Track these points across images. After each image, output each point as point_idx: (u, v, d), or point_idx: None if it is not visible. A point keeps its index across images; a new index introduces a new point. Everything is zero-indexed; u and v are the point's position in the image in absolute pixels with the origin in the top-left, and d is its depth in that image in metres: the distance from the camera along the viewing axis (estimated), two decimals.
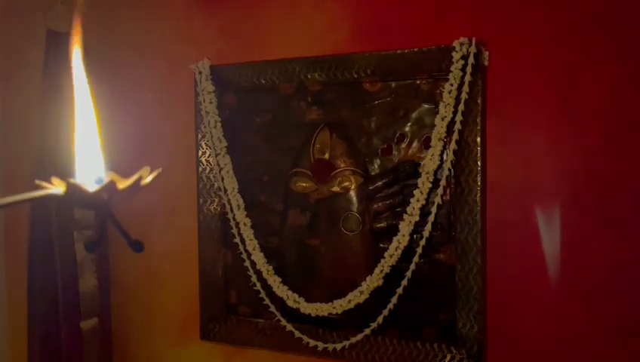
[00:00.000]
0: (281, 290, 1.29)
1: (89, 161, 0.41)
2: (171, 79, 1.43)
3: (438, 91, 1.15)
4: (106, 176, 0.41)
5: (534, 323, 1.12)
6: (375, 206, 1.22)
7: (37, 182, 0.39)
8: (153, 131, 1.46)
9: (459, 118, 1.12)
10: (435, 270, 1.18)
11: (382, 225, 1.22)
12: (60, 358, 1.46)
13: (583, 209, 1.08)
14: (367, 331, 1.22)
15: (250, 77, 1.32)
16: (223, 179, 1.34)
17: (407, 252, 1.18)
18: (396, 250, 1.18)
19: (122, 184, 0.40)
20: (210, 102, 1.33)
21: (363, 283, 1.21)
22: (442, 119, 1.13)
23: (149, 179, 0.41)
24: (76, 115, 0.41)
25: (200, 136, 1.37)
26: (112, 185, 0.39)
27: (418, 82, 1.18)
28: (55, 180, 0.38)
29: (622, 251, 1.06)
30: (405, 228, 1.17)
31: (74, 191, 0.38)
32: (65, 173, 0.41)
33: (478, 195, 1.12)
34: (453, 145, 1.13)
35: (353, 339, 1.24)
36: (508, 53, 1.11)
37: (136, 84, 1.48)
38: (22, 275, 1.51)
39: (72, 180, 0.38)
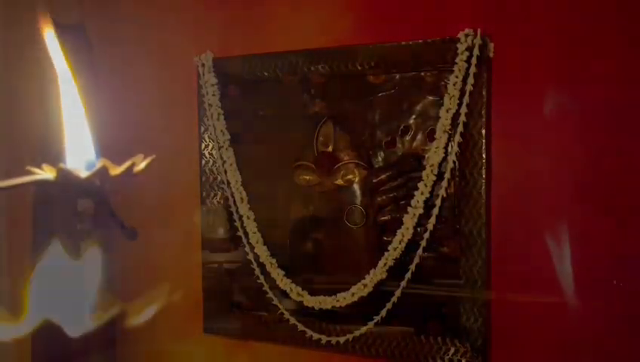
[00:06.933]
0: (285, 283, 1.29)
1: (80, 148, 0.41)
2: (174, 72, 1.42)
3: (442, 83, 1.14)
4: (97, 163, 0.40)
5: (539, 316, 1.11)
6: (379, 199, 1.21)
7: (27, 168, 0.38)
8: (155, 124, 1.45)
9: (464, 110, 1.10)
10: (439, 263, 1.17)
11: (386, 218, 1.21)
12: (64, 354, 1.46)
13: (588, 202, 1.07)
14: (371, 324, 1.22)
15: (253, 69, 1.31)
16: (226, 172, 1.33)
17: (412, 245, 1.17)
18: (400, 243, 1.17)
19: (114, 170, 0.39)
20: (213, 95, 1.33)
21: (367, 277, 1.21)
22: (447, 111, 1.12)
23: (142, 165, 0.40)
24: (62, 101, 0.40)
25: (203, 128, 1.36)
26: (104, 170, 0.38)
27: (422, 74, 1.16)
28: (46, 166, 0.38)
29: (628, 243, 1.04)
30: (409, 221, 1.16)
31: (65, 176, 0.37)
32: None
33: (483, 188, 1.11)
34: (457, 138, 1.11)
35: (357, 332, 1.23)
36: (513, 45, 1.10)
37: (138, 76, 1.47)
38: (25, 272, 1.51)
39: (62, 165, 0.37)
